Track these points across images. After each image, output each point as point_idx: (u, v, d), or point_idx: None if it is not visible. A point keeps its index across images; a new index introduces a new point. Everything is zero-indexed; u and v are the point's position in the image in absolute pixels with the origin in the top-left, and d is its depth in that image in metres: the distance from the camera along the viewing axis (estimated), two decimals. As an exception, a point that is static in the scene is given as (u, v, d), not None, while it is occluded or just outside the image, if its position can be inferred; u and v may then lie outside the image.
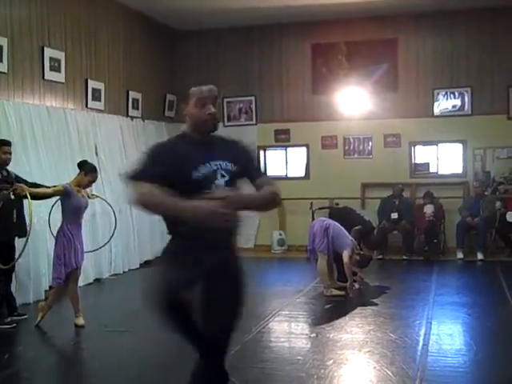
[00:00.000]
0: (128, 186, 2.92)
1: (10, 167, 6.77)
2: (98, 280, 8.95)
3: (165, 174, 2.85)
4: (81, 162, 6.70)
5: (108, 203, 7.90)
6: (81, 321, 6.35)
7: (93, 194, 7.22)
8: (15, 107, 7.66)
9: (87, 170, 6.51)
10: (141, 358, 5.47)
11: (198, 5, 10.34)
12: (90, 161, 8.97)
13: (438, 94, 11.16)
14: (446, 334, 6.03)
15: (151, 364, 5.17)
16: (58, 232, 6.42)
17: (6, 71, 7.56)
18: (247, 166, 3.09)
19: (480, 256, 10.10)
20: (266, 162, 12.16)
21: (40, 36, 8.25)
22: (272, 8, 10.56)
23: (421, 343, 5.57)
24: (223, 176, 2.86)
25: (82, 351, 5.94)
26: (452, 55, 11.12)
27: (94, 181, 6.60)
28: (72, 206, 6.36)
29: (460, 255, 10.25)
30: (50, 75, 8.39)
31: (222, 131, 11.33)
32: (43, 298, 7.62)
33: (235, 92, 12.01)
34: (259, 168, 3.23)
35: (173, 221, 2.95)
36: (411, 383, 4.57)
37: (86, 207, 6.58)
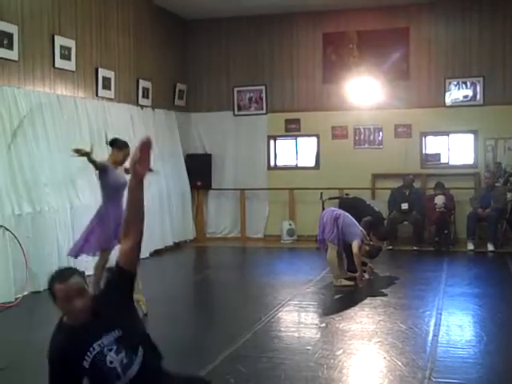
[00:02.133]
0: None
1: (21, 154, 6.76)
2: (107, 269, 8.95)
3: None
4: (112, 140, 6.59)
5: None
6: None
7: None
8: (26, 95, 7.66)
9: (120, 146, 6.43)
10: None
11: (209, -7, 10.31)
12: (99, 150, 9.03)
13: (450, 83, 11.07)
14: (456, 324, 6.00)
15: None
16: (98, 210, 6.36)
17: (16, 59, 7.56)
18: (114, 289, 2.98)
19: (490, 247, 10.05)
20: (276, 151, 12.13)
21: (51, 24, 8.23)
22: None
23: (431, 334, 5.55)
24: (110, 349, 2.83)
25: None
26: (464, 44, 11.02)
27: (128, 155, 6.47)
28: (111, 183, 6.26)
29: (470, 246, 10.20)
30: (60, 63, 8.37)
31: (233, 120, 11.40)
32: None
33: (245, 81, 11.98)
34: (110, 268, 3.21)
35: None
36: (421, 373, 4.56)
37: (125, 185, 6.46)
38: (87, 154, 6.08)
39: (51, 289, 2.85)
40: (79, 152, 6.08)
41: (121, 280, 2.95)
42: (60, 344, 2.89)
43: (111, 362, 2.82)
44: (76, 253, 6.38)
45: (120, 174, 6.36)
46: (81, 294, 2.82)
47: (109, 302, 2.92)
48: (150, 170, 7.15)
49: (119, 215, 6.04)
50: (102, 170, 6.23)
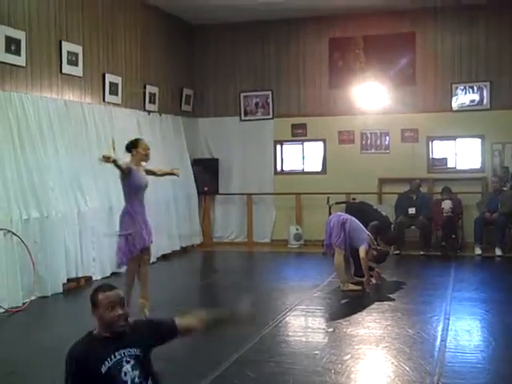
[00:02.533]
0: None
1: (29, 159, 6.82)
2: (114, 273, 8.96)
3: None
4: (128, 143, 6.55)
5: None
6: (144, 303, 6.38)
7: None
8: (33, 101, 7.69)
9: (138, 145, 6.43)
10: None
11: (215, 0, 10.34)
12: (106, 155, 9.06)
13: (457, 88, 11.06)
14: (464, 329, 5.98)
15: (161, 358, 5.16)
16: (122, 214, 6.37)
17: (24, 65, 7.60)
18: (156, 330, 3.27)
19: (498, 252, 10.02)
20: (283, 156, 12.14)
21: (58, 30, 8.27)
22: (289, 2, 10.51)
23: (439, 339, 5.53)
24: (128, 362, 3.03)
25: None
26: (470, 49, 11.01)
27: (147, 148, 6.49)
28: (133, 184, 6.29)
29: (478, 251, 10.17)
30: (67, 69, 8.41)
31: (239, 125, 11.41)
32: (61, 291, 7.67)
33: (252, 86, 12.00)
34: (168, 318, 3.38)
35: None
36: (429, 379, 4.54)
37: (146, 185, 6.49)
38: (115, 161, 6.13)
39: (94, 297, 3.10)
40: (108, 159, 6.11)
41: (167, 332, 3.27)
42: (83, 346, 3.06)
43: (125, 374, 3.00)
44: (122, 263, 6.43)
45: (142, 175, 6.41)
46: (123, 303, 3.12)
47: (143, 331, 3.19)
48: (174, 174, 7.15)
49: (144, 213, 6.38)
50: (127, 173, 6.24)
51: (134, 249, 6.32)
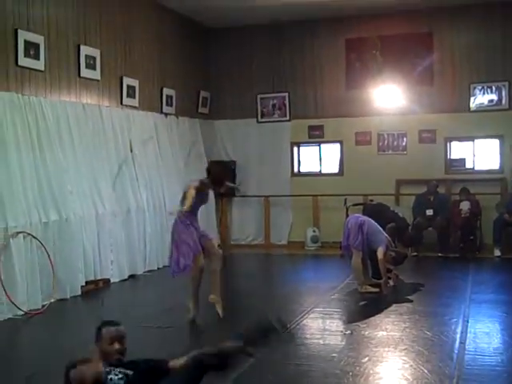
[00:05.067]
0: None
1: (47, 162, 6.90)
2: (132, 276, 9.02)
3: None
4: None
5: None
6: (215, 299, 6.44)
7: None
8: (52, 105, 7.76)
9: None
10: (170, 354, 5.49)
11: (231, 2, 10.34)
12: (123, 157, 9.12)
13: (475, 88, 10.99)
14: (484, 332, 5.92)
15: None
16: (175, 222, 6.40)
17: (42, 69, 7.67)
18: (150, 368, 3.65)
19: (518, 253, 9.95)
20: (300, 158, 12.14)
21: (76, 34, 8.34)
22: (305, 3, 10.51)
23: (457, 341, 5.49)
24: (116, 374, 3.47)
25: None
26: (488, 49, 10.93)
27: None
28: (200, 199, 6.35)
29: (497, 252, 10.10)
30: (85, 73, 8.48)
31: (256, 127, 11.37)
32: (80, 293, 7.73)
33: (268, 88, 12.00)
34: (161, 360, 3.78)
35: None
36: (448, 382, 4.51)
37: (208, 199, 6.69)
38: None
39: (100, 330, 3.64)
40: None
41: (159, 371, 3.63)
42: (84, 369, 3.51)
43: (110, 380, 3.44)
44: (178, 271, 6.44)
45: (200, 200, 6.46)
46: (123, 340, 3.65)
47: (139, 365, 3.62)
48: (236, 189, 7.12)
49: (197, 220, 6.49)
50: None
51: (188, 260, 6.31)
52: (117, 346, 3.60)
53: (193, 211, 6.36)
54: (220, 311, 6.43)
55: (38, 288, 7.12)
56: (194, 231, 6.39)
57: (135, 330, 6.08)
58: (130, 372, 3.52)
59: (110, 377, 3.44)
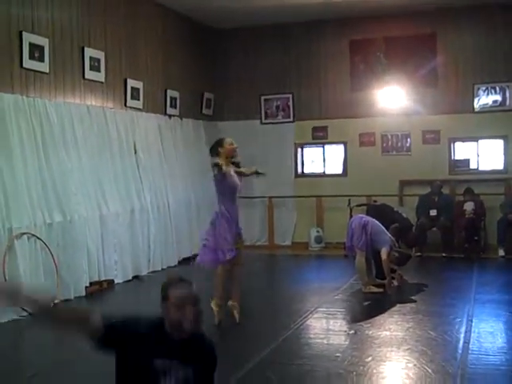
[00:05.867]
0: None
1: (52, 164, 6.91)
2: (136, 277, 9.04)
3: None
4: (212, 146, 6.55)
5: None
6: (234, 305, 6.34)
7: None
8: (57, 107, 7.79)
9: (221, 144, 6.41)
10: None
11: (236, 3, 10.36)
12: (128, 159, 9.16)
13: (479, 89, 10.98)
14: (488, 332, 5.93)
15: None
16: (216, 216, 6.37)
17: (47, 71, 7.70)
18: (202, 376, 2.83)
19: (522, 253, 9.94)
20: (304, 159, 12.14)
21: (80, 36, 8.37)
22: (309, 5, 10.52)
23: (461, 341, 5.50)
24: (176, 375, 2.70)
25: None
26: (492, 49, 10.92)
27: (234, 145, 6.48)
28: (228, 186, 6.31)
29: (501, 253, 10.08)
30: (90, 75, 8.51)
31: (260, 129, 11.34)
32: (84, 294, 7.75)
33: (273, 89, 12.02)
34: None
35: None
36: (452, 381, 4.52)
37: (239, 187, 6.49)
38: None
39: (164, 290, 2.77)
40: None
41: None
42: (151, 328, 2.73)
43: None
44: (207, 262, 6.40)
45: (235, 177, 6.41)
46: (197, 304, 2.74)
47: (202, 351, 2.82)
48: (261, 174, 7.09)
49: (237, 215, 6.40)
50: (223, 174, 6.25)
51: (223, 257, 6.28)
52: (188, 312, 2.68)
53: (230, 200, 6.32)
54: (237, 316, 6.32)
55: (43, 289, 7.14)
56: (233, 225, 6.34)
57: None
58: (190, 371, 2.73)
59: (167, 381, 2.67)
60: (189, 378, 2.72)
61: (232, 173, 6.34)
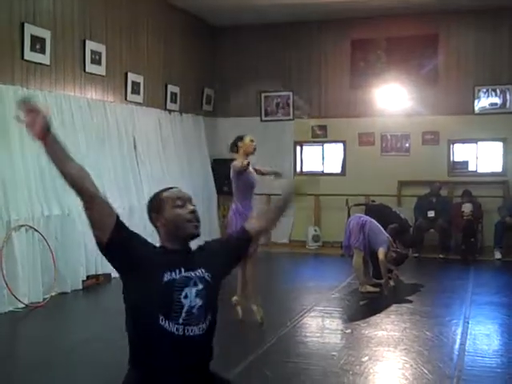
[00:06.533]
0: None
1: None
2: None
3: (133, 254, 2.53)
4: (232, 142, 6.45)
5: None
6: (257, 310, 6.21)
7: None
8: (57, 99, 7.77)
9: (241, 138, 6.36)
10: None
11: (238, 1, 10.35)
12: (127, 153, 9.14)
13: (479, 91, 10.98)
14: (484, 333, 5.94)
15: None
16: (233, 213, 6.29)
17: (48, 63, 7.68)
18: (229, 243, 2.86)
19: (519, 256, 9.95)
20: (303, 157, 12.14)
21: (82, 29, 8.35)
22: (312, 4, 10.50)
23: (458, 342, 5.50)
24: (195, 284, 2.50)
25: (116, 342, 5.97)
26: (494, 52, 10.92)
27: (254, 144, 6.41)
28: (246, 182, 6.28)
29: (498, 255, 10.09)
30: (90, 68, 8.49)
31: (259, 126, 11.30)
32: (81, 287, 7.74)
33: (273, 87, 12.00)
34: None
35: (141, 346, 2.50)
36: (448, 382, 4.53)
37: (255, 184, 6.44)
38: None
39: (156, 199, 2.63)
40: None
41: (241, 241, 2.82)
42: (152, 247, 2.58)
43: (185, 297, 2.47)
44: None
45: (253, 173, 6.39)
46: (192, 201, 2.64)
47: (216, 249, 2.75)
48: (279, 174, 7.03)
49: (249, 212, 6.16)
50: (243, 170, 6.21)
51: None
52: (191, 207, 2.59)
53: (247, 197, 6.29)
54: (259, 317, 6.15)
55: (40, 281, 7.13)
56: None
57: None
58: (208, 276, 2.55)
59: (185, 291, 2.45)
60: (210, 284, 2.54)
61: (251, 169, 6.32)
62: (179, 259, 2.54)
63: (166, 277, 2.46)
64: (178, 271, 2.49)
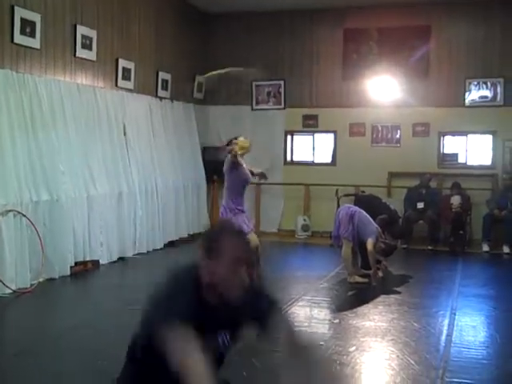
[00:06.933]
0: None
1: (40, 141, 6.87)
2: (121, 258, 9.01)
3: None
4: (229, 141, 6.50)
5: None
6: None
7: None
8: (46, 83, 7.70)
9: (237, 137, 6.39)
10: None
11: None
12: (117, 139, 9.08)
13: (470, 83, 11.00)
14: (470, 325, 5.98)
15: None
16: (224, 209, 6.32)
17: (38, 47, 7.60)
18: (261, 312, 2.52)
19: (506, 249, 9.99)
20: (293, 147, 12.12)
21: (73, 13, 8.27)
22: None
23: (444, 334, 5.53)
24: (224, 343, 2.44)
25: (104, 328, 5.96)
26: (485, 45, 10.93)
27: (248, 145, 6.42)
28: (240, 177, 6.28)
29: (485, 248, 10.15)
30: (81, 53, 8.42)
31: (250, 115, 11.29)
32: (69, 273, 7.70)
33: (264, 75, 11.95)
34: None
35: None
36: (434, 373, 4.55)
37: (249, 181, 6.46)
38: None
39: (219, 241, 2.23)
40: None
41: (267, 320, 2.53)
42: (195, 306, 2.21)
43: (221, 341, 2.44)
44: None
45: (246, 169, 6.39)
46: (251, 264, 2.31)
47: (254, 304, 2.47)
48: (264, 177, 7.04)
49: (244, 208, 6.28)
50: (237, 164, 6.23)
51: (247, 227, 6.25)
52: (244, 274, 2.23)
53: (239, 193, 6.31)
54: None
55: (27, 267, 7.10)
56: (243, 215, 6.32)
57: (122, 312, 6.10)
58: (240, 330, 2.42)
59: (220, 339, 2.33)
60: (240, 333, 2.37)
61: (244, 165, 6.29)
62: (220, 317, 2.30)
63: (207, 336, 2.26)
64: (223, 336, 2.33)
